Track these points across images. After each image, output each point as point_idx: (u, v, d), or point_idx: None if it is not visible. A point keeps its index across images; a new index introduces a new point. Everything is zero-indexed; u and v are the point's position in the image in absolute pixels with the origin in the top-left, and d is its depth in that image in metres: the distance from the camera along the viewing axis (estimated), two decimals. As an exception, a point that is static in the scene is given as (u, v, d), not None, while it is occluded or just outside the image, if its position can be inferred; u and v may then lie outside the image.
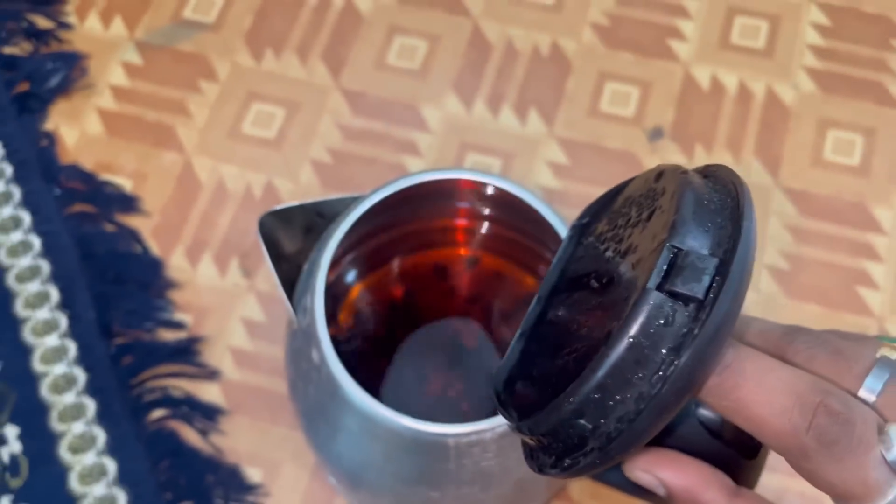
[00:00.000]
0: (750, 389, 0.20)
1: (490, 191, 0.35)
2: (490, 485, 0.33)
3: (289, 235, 0.37)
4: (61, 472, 0.48)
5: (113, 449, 0.48)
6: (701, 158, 0.56)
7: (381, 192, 0.33)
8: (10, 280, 0.52)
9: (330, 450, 0.35)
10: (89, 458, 0.48)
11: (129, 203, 0.55)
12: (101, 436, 0.49)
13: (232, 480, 0.48)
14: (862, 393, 0.20)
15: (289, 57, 0.59)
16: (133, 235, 0.54)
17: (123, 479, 0.48)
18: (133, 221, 0.54)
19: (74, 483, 0.48)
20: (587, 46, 0.60)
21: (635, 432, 0.20)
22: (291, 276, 0.36)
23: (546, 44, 0.60)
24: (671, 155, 0.56)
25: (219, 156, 0.56)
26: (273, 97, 0.58)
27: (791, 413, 0.19)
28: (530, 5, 0.61)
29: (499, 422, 0.30)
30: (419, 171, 0.33)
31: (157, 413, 0.49)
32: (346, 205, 0.34)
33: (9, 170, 0.55)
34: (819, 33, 0.60)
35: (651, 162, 0.56)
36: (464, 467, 0.31)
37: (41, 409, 0.49)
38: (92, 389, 0.50)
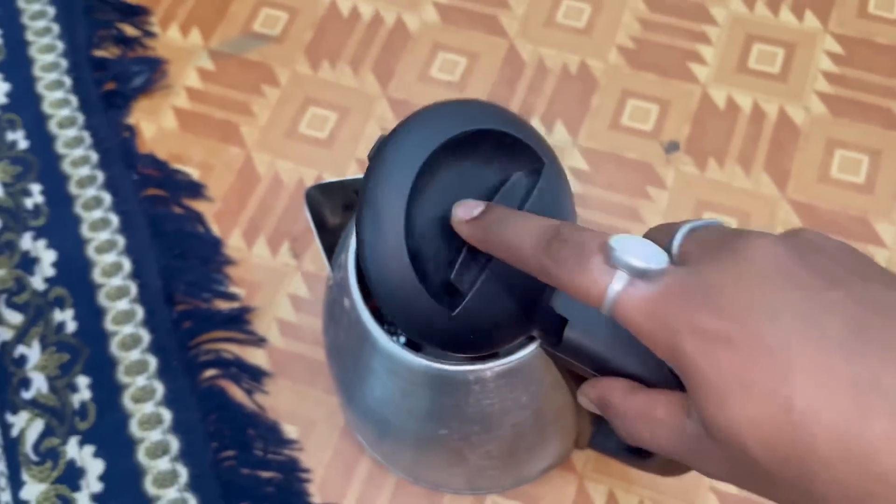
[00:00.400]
0: (513, 233, 0.27)
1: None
2: (490, 425, 0.38)
3: (331, 209, 0.43)
4: (123, 418, 0.55)
5: (169, 401, 0.55)
6: (713, 171, 0.61)
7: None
8: (90, 251, 0.60)
9: (356, 389, 0.40)
10: (149, 408, 0.55)
11: (195, 189, 0.62)
12: (159, 389, 0.55)
13: (271, 434, 0.54)
14: (674, 241, 0.26)
15: (343, 67, 0.66)
16: (198, 218, 0.61)
17: (177, 427, 0.54)
18: (198, 206, 0.61)
19: (134, 428, 0.54)
20: (613, 66, 0.65)
21: None
22: (331, 244, 0.42)
23: (575, 63, 0.65)
24: (685, 166, 0.61)
25: (276, 152, 0.63)
26: (327, 102, 0.65)
27: (536, 244, 0.26)
28: (562, 28, 0.67)
29: (495, 363, 0.35)
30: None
31: (210, 372, 0.56)
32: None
33: (94, 157, 0.63)
34: (832, 61, 0.64)
35: (666, 172, 0.61)
36: (468, 405, 0.36)
37: (110, 364, 0.56)
38: (154, 348, 0.56)
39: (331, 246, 0.42)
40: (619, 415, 0.27)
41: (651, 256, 0.23)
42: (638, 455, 0.47)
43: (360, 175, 0.47)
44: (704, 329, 0.22)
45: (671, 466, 0.44)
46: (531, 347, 0.35)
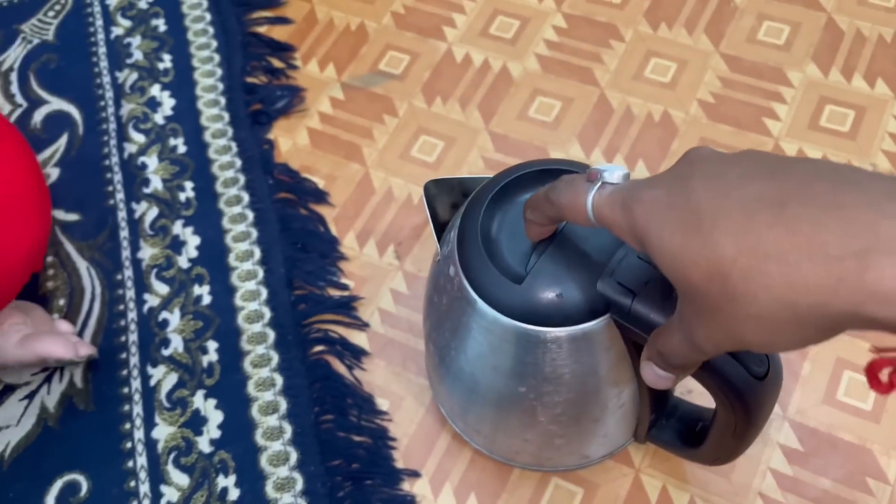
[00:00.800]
0: (538, 194, 0.39)
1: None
2: (562, 387, 0.45)
3: (441, 204, 0.51)
4: (243, 379, 0.64)
5: (282, 368, 0.64)
6: (780, 214, 0.67)
7: (513, 173, 0.47)
8: (228, 239, 0.71)
9: (451, 349, 0.48)
10: (264, 373, 0.64)
11: (320, 196, 0.72)
12: (275, 357, 0.64)
13: (365, 405, 0.62)
14: None
15: (452, 104, 0.76)
16: (320, 219, 0.71)
17: (286, 391, 0.63)
18: (321, 209, 0.71)
19: (251, 388, 0.63)
20: (693, 117, 0.73)
21: None
22: (439, 233, 0.51)
23: (658, 112, 0.73)
24: (754, 208, 0.67)
25: (391, 170, 0.73)
26: (437, 132, 0.75)
27: (546, 190, 0.38)
28: (649, 81, 0.75)
29: (570, 327, 0.42)
30: (536, 160, 0.47)
31: (318, 348, 0.65)
32: (481, 181, 0.48)
33: (239, 163, 0.74)
34: (900, 125, 0.70)
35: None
36: (545, 363, 0.43)
37: (235, 333, 0.66)
38: (274, 324, 0.66)
39: (438, 235, 0.50)
40: (653, 344, 0.35)
41: (616, 171, 0.33)
42: (690, 445, 0.52)
43: (467, 176, 0.56)
44: (647, 199, 0.30)
45: (718, 455, 0.50)
46: (602, 318, 0.42)
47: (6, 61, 0.82)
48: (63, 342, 0.60)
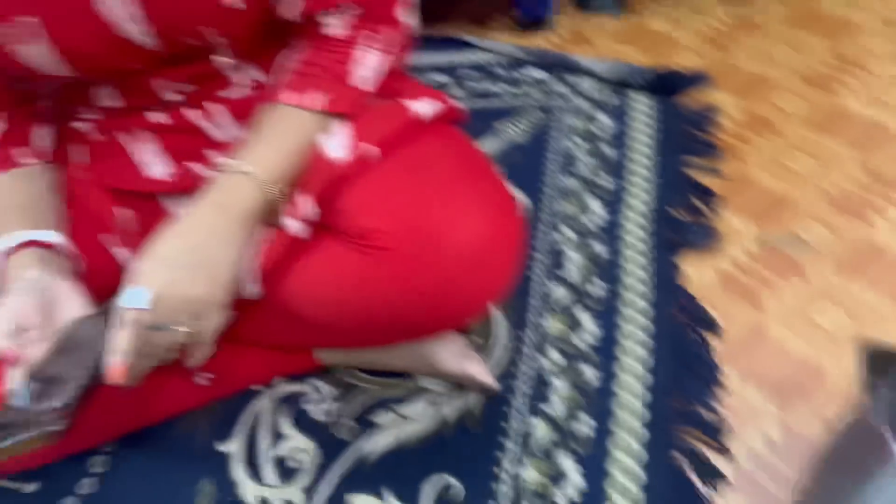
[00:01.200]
0: None
1: None
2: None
3: (874, 367, 0.56)
4: (607, 456, 0.72)
5: (643, 462, 0.71)
6: None
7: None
8: (622, 336, 0.81)
9: (848, 499, 0.52)
10: (627, 459, 0.71)
11: (712, 327, 0.80)
12: (639, 449, 0.72)
13: (712, 523, 0.66)
14: None
15: (867, 286, 0.79)
16: (707, 347, 0.78)
17: (643, 485, 0.70)
18: (711, 339, 0.79)
19: (612, 468, 0.71)
20: None
21: None
22: (865, 391, 0.55)
23: None
24: None
25: (787, 325, 0.78)
26: (845, 306, 0.78)
27: None
28: None
29: None
30: None
31: (680, 455, 0.71)
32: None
33: (648, 278, 0.85)
34: None
35: None
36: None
37: (609, 415, 0.75)
38: (646, 422, 0.74)
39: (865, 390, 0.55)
40: None
41: None
42: None
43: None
44: None
45: None
46: None
47: (483, 148, 1.05)
48: (486, 371, 0.74)
